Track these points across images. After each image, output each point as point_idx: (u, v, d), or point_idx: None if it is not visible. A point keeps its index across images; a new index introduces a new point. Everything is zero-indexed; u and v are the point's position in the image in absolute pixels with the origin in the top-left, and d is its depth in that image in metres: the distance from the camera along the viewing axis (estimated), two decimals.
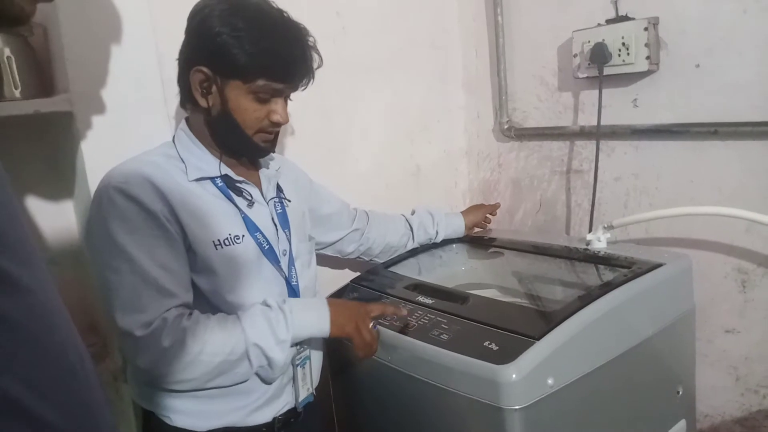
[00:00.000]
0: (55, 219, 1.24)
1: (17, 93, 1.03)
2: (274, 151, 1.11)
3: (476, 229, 1.67)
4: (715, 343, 1.40)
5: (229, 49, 0.95)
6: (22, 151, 1.19)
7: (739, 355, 1.37)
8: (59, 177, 1.24)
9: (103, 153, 1.08)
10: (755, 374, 1.36)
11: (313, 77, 1.07)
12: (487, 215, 1.68)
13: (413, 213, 1.58)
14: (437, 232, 1.56)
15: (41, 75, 1.11)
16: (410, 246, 1.53)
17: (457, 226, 1.59)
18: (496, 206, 1.71)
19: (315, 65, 1.06)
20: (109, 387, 1.21)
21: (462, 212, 1.64)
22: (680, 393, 1.29)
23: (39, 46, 1.12)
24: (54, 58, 1.13)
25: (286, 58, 1.00)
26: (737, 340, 1.37)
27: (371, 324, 1.08)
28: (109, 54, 1.13)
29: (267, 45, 0.97)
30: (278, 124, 1.05)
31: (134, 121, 1.15)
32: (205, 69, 0.98)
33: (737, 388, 1.39)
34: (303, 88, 1.07)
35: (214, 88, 1.00)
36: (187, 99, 1.05)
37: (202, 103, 1.01)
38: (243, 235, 1.04)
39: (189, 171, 1.03)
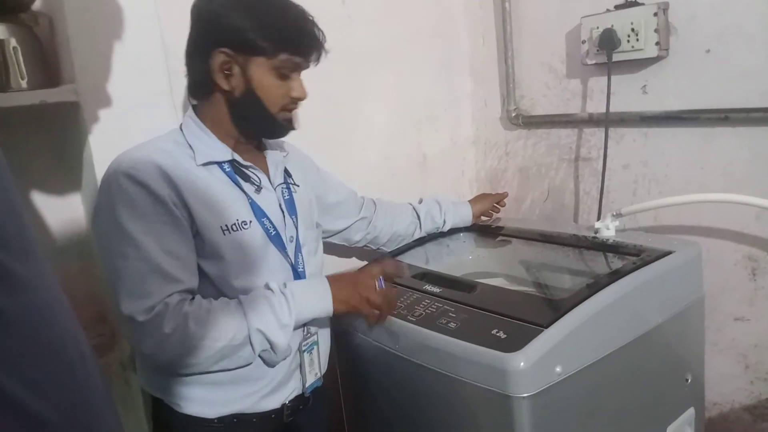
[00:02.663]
0: (63, 211, 1.24)
1: (23, 83, 1.03)
2: (295, 129, 1.12)
3: (483, 218, 1.66)
4: (725, 331, 1.40)
5: (250, 26, 0.97)
6: (28, 142, 1.20)
7: (749, 343, 1.37)
8: (66, 168, 1.24)
9: (110, 143, 1.08)
10: (765, 362, 1.35)
11: (327, 51, 1.07)
12: (496, 204, 1.67)
13: (420, 202, 1.58)
14: (445, 221, 1.55)
15: (47, 65, 1.11)
16: (417, 235, 1.53)
17: (464, 215, 1.59)
18: (504, 195, 1.70)
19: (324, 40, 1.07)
20: (117, 376, 1.22)
21: (469, 201, 1.63)
22: (689, 381, 1.28)
23: (45, 37, 1.12)
24: (60, 48, 1.13)
25: (304, 30, 1.02)
26: (747, 328, 1.36)
27: (377, 284, 1.08)
28: (115, 44, 1.13)
29: (286, 19, 1.00)
30: (299, 100, 1.07)
31: (141, 112, 1.15)
32: (226, 50, 0.99)
33: (746, 376, 1.38)
34: (315, 63, 1.07)
35: (236, 69, 1.00)
36: (201, 86, 1.05)
37: (224, 85, 1.01)
38: (250, 221, 1.04)
39: (197, 156, 1.03)
